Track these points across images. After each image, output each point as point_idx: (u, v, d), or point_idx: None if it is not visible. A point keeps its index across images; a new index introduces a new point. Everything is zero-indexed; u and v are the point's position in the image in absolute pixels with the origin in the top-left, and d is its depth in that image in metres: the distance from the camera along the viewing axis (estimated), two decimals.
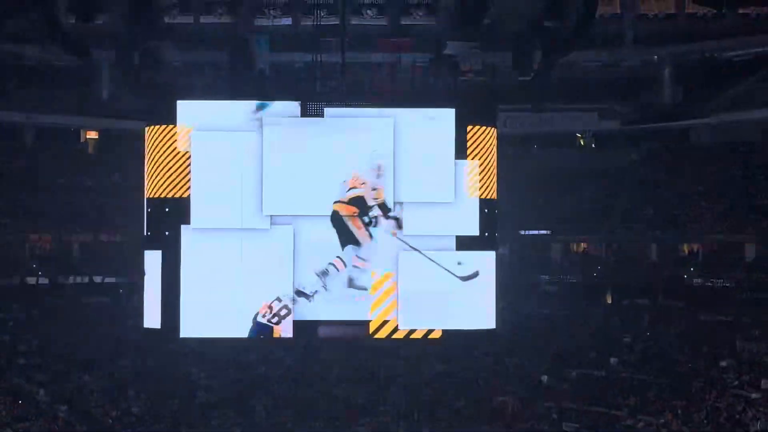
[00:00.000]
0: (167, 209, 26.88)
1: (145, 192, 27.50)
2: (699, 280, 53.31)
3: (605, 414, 48.77)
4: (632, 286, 57.23)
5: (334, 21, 31.81)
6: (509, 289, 55.57)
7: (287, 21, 32.49)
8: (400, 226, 25.60)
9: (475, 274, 26.11)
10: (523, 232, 58.81)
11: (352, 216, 25.46)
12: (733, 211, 52.95)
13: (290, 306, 25.28)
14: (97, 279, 57.68)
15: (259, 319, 25.51)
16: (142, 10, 26.44)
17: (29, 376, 49.99)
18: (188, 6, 29.53)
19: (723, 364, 47.90)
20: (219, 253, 26.45)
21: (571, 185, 59.51)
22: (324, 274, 25.44)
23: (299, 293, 25.38)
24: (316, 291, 25.41)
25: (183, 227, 26.55)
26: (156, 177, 26.82)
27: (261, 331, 25.76)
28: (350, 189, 25.39)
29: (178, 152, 26.28)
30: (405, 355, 56.60)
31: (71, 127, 62.65)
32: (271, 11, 30.90)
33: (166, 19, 30.49)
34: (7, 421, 44.10)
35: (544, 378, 53.93)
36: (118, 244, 57.52)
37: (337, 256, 25.57)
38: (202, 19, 31.93)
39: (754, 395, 42.63)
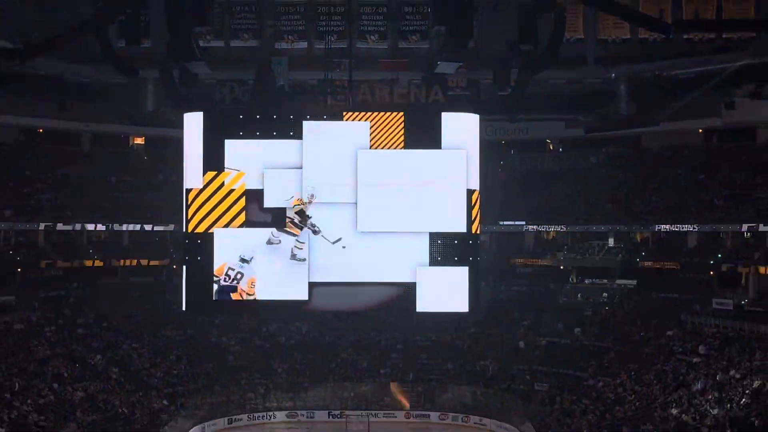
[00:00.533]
0: None
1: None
2: (649, 263, 53.27)
3: (570, 375, 48.81)
4: (593, 268, 57.24)
5: (342, 45, 31.72)
6: (490, 271, 55.78)
7: (303, 45, 32.39)
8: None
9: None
10: (501, 223, 58.71)
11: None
12: (678, 205, 52.90)
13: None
14: (143, 262, 57.70)
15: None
16: (180, 35, 26.28)
17: (87, 344, 49.98)
18: (220, 32, 29.45)
19: (669, 333, 47.84)
20: None
21: (542, 183, 59.54)
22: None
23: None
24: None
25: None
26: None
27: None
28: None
29: None
30: (402, 327, 56.63)
31: (121, 134, 62.74)
32: (289, 36, 30.82)
33: (202, 43, 30.32)
34: (69, 381, 44.08)
35: (521, 343, 54.04)
36: (160, 233, 57.52)
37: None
38: (232, 43, 31.83)
39: (695, 360, 42.57)
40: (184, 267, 26.58)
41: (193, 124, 26.14)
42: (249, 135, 25.31)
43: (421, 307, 25.49)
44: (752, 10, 32.50)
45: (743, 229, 48.43)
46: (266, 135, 25.29)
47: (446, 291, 25.70)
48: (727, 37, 33.68)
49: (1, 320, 47.20)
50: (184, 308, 27.68)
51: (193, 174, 26.35)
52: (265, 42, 31.43)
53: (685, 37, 32.16)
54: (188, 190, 26.66)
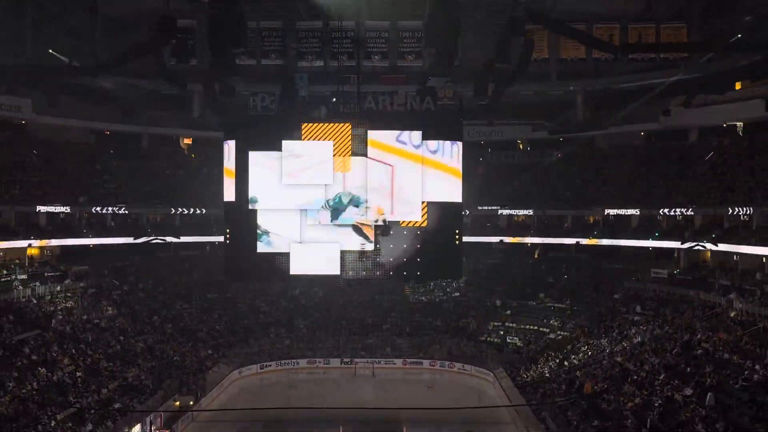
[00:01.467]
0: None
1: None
2: (598, 240, 53.23)
3: (536, 330, 48.91)
4: (554, 244, 57.21)
5: (351, 63, 31.58)
6: (471, 246, 55.78)
7: (320, 63, 32.25)
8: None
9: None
10: (480, 207, 58.63)
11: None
12: (623, 194, 52.81)
13: None
14: (192, 239, 57.78)
15: None
16: (221, 55, 26.17)
17: (146, 304, 50.12)
18: (252, 53, 29.31)
19: (616, 296, 47.91)
20: None
21: (513, 175, 59.29)
22: None
23: None
24: None
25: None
26: None
27: None
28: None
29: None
30: (400, 292, 56.77)
31: (173, 135, 62.62)
32: (309, 56, 30.70)
33: (238, 62, 30.22)
34: (132, 335, 44.21)
35: (498, 302, 54.16)
36: (205, 215, 57.56)
37: None
38: (263, 62, 31.69)
39: (635, 317, 42.61)
40: (228, 242, 26.70)
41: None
42: None
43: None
44: (685, 35, 32.40)
45: (676, 213, 48.42)
46: None
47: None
48: (664, 57, 33.56)
49: (77, 285, 47.32)
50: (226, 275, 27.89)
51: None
52: (289, 60, 31.25)
53: (630, 56, 32.03)
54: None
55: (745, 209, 42.06)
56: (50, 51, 29.99)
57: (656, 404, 30.01)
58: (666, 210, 48.96)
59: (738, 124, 50.25)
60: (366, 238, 29.30)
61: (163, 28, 26.13)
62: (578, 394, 35.24)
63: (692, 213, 47.22)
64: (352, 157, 28.71)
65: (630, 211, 51.64)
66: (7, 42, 29.13)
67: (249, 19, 26.86)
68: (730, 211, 43.22)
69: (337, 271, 28.65)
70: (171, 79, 30.02)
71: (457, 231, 26.48)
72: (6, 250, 45.57)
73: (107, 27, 29.66)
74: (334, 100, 29.27)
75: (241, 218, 28.00)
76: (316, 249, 29.50)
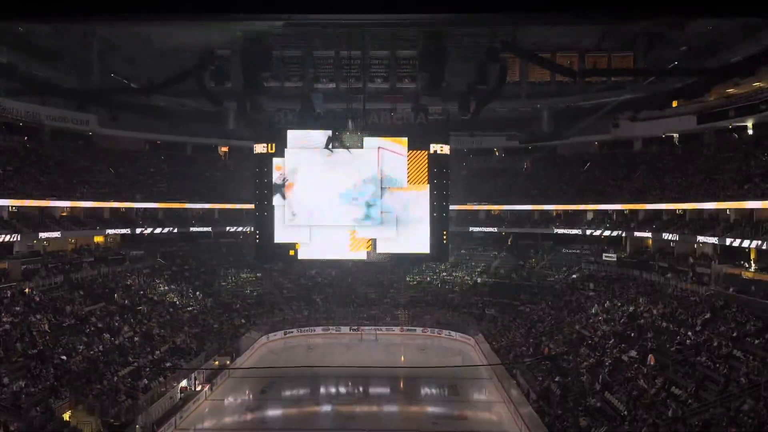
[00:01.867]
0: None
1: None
2: (560, 230, 53.20)
3: (509, 304, 48.92)
4: (523, 233, 57.20)
5: (358, 85, 31.51)
6: (454, 235, 55.70)
7: (332, 85, 32.18)
8: None
9: None
10: (464, 203, 58.71)
11: None
12: (581, 191, 52.80)
13: None
14: (229, 229, 57.84)
15: None
16: (251, 78, 26.12)
17: (189, 282, 50.19)
18: (277, 76, 29.16)
19: (574, 276, 47.98)
20: None
21: (489, 177, 59.25)
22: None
23: None
24: None
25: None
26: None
27: None
28: None
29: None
30: (398, 271, 56.77)
31: (212, 144, 62.58)
32: (323, 80, 30.58)
33: (265, 84, 30.14)
34: (179, 307, 44.29)
35: (478, 279, 54.14)
36: (239, 210, 57.61)
37: None
38: (285, 84, 31.62)
39: (590, 293, 42.68)
40: (257, 234, 26.72)
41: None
42: None
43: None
44: (632, 62, 32.28)
45: (623, 208, 48.49)
46: None
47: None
48: (615, 80, 33.45)
49: (134, 267, 47.39)
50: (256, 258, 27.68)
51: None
52: (307, 83, 31.14)
53: (586, 80, 31.93)
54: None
55: (679, 204, 42.14)
56: (112, 75, 29.94)
57: (607, 363, 30.08)
58: (615, 205, 49.03)
59: (674, 135, 50.33)
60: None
61: (204, 57, 26.09)
62: (542, 355, 35.34)
63: (637, 207, 47.28)
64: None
65: (584, 207, 51.66)
66: (77, 68, 29.11)
67: (274, 49, 26.70)
68: (667, 206, 43.31)
69: (346, 256, 28.46)
70: (210, 98, 29.96)
71: (444, 231, 26.33)
72: (78, 238, 45.66)
73: (158, 55, 29.52)
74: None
75: (266, 211, 27.95)
76: (329, 235, 29.46)
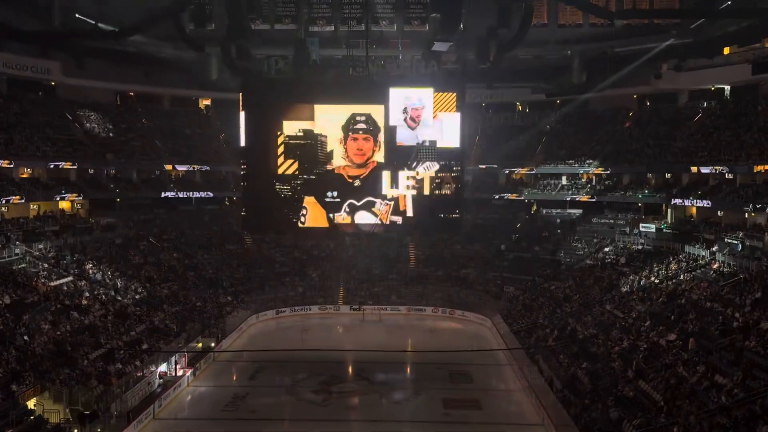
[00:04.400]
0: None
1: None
2: (588, 197, 53.22)
3: (531, 280, 49.03)
4: (549, 200, 57.15)
5: (360, 28, 31.17)
6: (472, 203, 55.77)
7: (330, 28, 31.81)
8: None
9: None
10: (480, 166, 58.57)
11: None
12: (615, 151, 52.57)
13: None
14: (211, 194, 58.00)
15: None
16: (236, 20, 25.84)
17: (170, 253, 50.46)
18: (267, 17, 28.85)
19: (606, 249, 47.96)
20: None
21: (511, 135, 58.92)
22: None
23: None
24: None
25: None
26: None
27: None
28: None
29: None
30: (406, 243, 56.93)
31: (193, 96, 62.42)
32: (320, 21, 30.21)
33: (253, 27, 29.79)
34: (157, 282, 44.59)
35: (503, 246, 54.70)
36: (222, 171, 57.71)
37: None
38: (276, 27, 31.26)
39: (624, 268, 42.70)
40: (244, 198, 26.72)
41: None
42: None
43: None
44: (677, 1, 31.83)
45: (664, 171, 48.36)
46: None
47: None
48: (657, 22, 32.94)
49: (107, 236, 47.66)
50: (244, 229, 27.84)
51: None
52: (302, 25, 30.78)
53: (624, 21, 31.45)
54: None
55: (729, 168, 41.88)
56: (77, 16, 29.66)
57: (642, 348, 30.25)
58: (655, 167, 48.84)
59: (725, 87, 49.80)
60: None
61: None
62: (569, 338, 35.57)
63: (681, 171, 47.06)
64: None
65: (623, 170, 51.48)
66: (37, 8, 28.82)
67: None
68: (716, 169, 43.04)
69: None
70: (190, 42, 29.71)
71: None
72: (41, 204, 45.80)
73: None
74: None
75: (258, 172, 27.94)
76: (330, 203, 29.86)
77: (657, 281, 38.13)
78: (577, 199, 54.66)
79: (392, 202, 30.38)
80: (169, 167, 56.90)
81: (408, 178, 30.01)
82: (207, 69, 31.94)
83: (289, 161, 29.89)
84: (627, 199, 50.76)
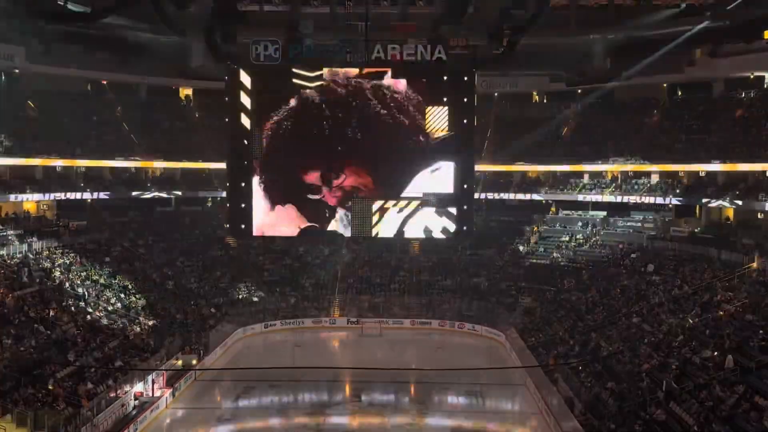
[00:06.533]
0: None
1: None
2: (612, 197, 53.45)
3: (549, 291, 49.04)
4: (569, 201, 57.21)
5: (360, 10, 31.18)
6: (482, 203, 55.87)
7: (326, 9, 31.83)
8: None
9: None
10: (493, 162, 58.61)
11: None
12: (643, 146, 52.61)
13: None
14: (191, 194, 58.16)
15: None
16: (222, 0, 25.89)
17: (146, 261, 50.51)
18: None
19: (633, 255, 47.94)
20: None
21: (526, 129, 58.93)
22: None
23: None
24: None
25: None
26: None
27: None
28: None
29: None
30: (409, 250, 56.96)
31: (172, 85, 62.46)
32: (314, 2, 30.17)
33: (239, 8, 29.81)
34: (134, 291, 44.60)
35: (520, 247, 55.04)
36: (206, 169, 57.88)
37: None
38: (265, 8, 31.27)
39: (654, 277, 42.65)
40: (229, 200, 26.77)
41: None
42: None
43: None
44: None
45: (698, 169, 48.34)
46: None
47: None
48: (690, 3, 32.95)
49: (76, 240, 47.72)
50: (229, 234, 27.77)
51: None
52: (294, 6, 30.80)
53: (653, 2, 31.47)
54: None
55: None
56: None
57: (673, 366, 30.21)
58: (689, 164, 48.87)
59: (766, 75, 49.75)
60: None
61: None
62: (591, 355, 35.54)
63: (716, 168, 47.06)
64: None
65: (651, 167, 51.47)
66: None
67: None
68: (756, 166, 43.05)
69: (341, 230, 28.46)
70: (170, 25, 29.76)
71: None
72: (2, 204, 45.82)
73: None
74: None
75: (243, 169, 27.87)
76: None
77: (690, 291, 38.10)
78: (600, 199, 54.71)
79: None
80: (145, 164, 56.95)
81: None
82: (188, 55, 32.03)
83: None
84: (656, 199, 50.74)
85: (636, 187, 52.83)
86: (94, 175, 53.68)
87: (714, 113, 51.59)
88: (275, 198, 27.06)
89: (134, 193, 55.15)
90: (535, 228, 57.88)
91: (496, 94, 61.95)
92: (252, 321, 48.39)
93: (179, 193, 58.12)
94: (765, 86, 49.95)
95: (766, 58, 46.89)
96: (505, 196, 59.13)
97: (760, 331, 29.41)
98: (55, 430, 26.58)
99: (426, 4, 31.47)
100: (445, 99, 27.19)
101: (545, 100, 63.53)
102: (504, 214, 59.85)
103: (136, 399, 32.40)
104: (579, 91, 57.49)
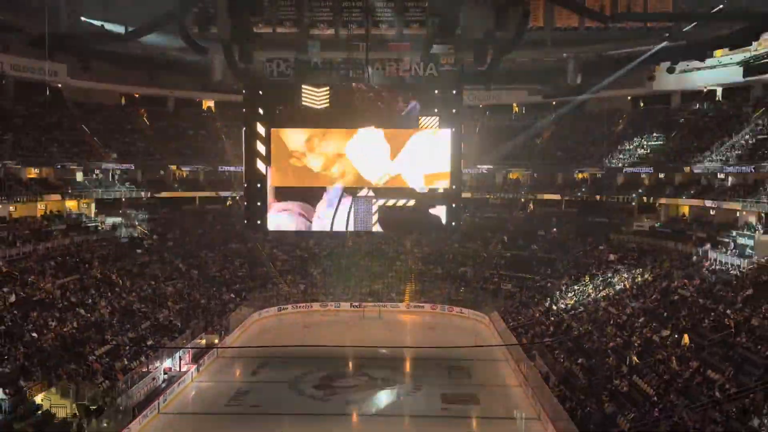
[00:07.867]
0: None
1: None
2: (586, 196, 53.31)
3: (527, 278, 49.11)
4: (544, 200, 57.20)
5: (360, 32, 31.16)
6: (470, 201, 55.80)
7: (331, 31, 31.80)
8: None
9: None
10: (478, 166, 58.49)
11: None
12: (610, 153, 52.60)
13: None
14: (213, 194, 58.13)
15: None
16: (239, 23, 25.86)
17: (174, 253, 50.44)
18: (268, 21, 28.85)
19: (600, 247, 47.99)
20: None
21: (507, 136, 58.76)
22: None
23: None
24: None
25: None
26: None
27: None
28: None
29: None
30: (404, 242, 56.90)
31: (196, 98, 62.39)
32: (321, 25, 30.17)
33: (255, 30, 29.77)
34: (162, 280, 44.56)
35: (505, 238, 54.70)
36: (226, 172, 57.82)
37: None
38: (278, 30, 31.24)
39: (619, 266, 42.76)
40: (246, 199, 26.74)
41: None
42: None
43: None
44: (671, 5, 31.82)
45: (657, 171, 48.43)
46: None
47: None
48: (651, 25, 32.96)
49: (112, 235, 47.65)
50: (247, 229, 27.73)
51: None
52: (303, 29, 30.76)
53: (618, 25, 31.46)
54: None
55: (721, 168, 41.95)
56: (83, 19, 29.69)
57: (636, 344, 30.27)
58: (647, 167, 48.93)
59: (717, 89, 49.83)
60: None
61: None
62: (564, 334, 35.60)
63: (672, 171, 47.12)
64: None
65: (616, 170, 51.48)
66: (43, 11, 28.84)
67: None
68: (708, 169, 43.12)
69: (345, 225, 28.43)
70: (194, 45, 29.72)
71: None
72: (48, 203, 45.74)
73: None
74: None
75: (259, 172, 27.89)
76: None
77: (650, 278, 38.14)
78: (571, 198, 54.71)
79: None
80: (173, 167, 57.01)
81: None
82: (210, 71, 31.97)
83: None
84: (622, 197, 50.74)
85: (604, 187, 52.80)
86: (128, 177, 53.63)
87: (672, 122, 51.63)
88: (287, 197, 27.11)
89: (163, 194, 55.15)
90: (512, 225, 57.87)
91: (480, 105, 61.89)
92: (267, 305, 48.40)
93: (203, 193, 58.21)
94: (716, 99, 50.04)
95: (717, 74, 47.10)
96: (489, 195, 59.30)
97: (712, 314, 29.53)
98: (95, 400, 26.62)
99: (419, 27, 31.41)
100: (435, 110, 27.19)
101: (524, 111, 63.49)
102: (488, 212, 59.84)
103: (165, 374, 32.42)
104: (554, 102, 57.48)
